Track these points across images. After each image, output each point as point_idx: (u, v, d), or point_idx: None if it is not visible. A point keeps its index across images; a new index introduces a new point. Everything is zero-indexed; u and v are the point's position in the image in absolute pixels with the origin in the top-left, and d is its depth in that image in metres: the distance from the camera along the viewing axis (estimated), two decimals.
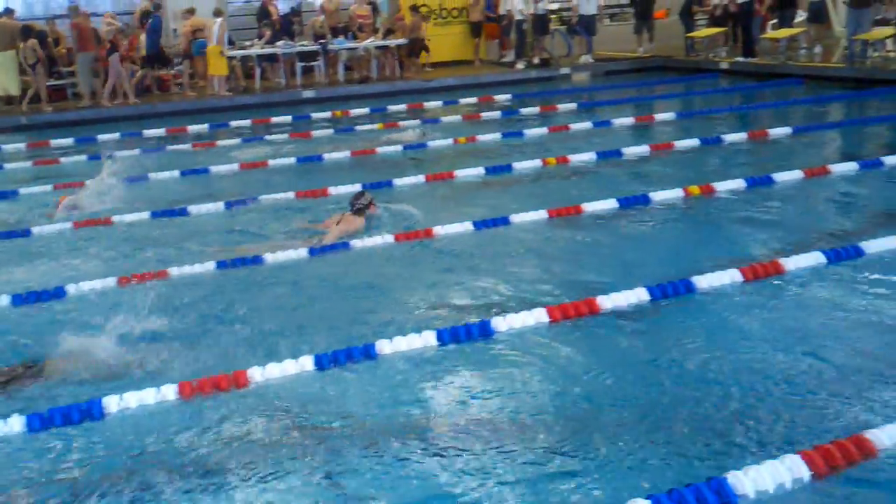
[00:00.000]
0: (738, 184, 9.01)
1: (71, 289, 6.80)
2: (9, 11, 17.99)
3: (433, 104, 16.80)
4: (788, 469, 3.85)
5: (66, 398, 5.04)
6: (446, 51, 21.77)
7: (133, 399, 4.87)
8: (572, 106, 15.70)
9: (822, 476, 3.85)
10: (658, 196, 8.68)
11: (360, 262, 7.34)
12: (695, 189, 8.84)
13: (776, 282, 6.31)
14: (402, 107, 16.49)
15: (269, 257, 7.33)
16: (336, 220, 8.07)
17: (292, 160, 11.90)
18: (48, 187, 10.94)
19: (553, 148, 11.69)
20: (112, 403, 4.83)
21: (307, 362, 5.21)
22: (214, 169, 11.47)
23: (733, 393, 4.74)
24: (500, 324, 5.67)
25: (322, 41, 19.40)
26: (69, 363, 5.43)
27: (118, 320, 5.82)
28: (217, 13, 18.32)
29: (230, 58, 18.77)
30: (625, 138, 12.30)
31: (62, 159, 13.14)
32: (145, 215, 9.13)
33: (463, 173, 10.30)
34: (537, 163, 10.69)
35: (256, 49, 19.19)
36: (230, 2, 22.31)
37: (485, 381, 5.08)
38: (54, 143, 14.54)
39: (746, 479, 3.76)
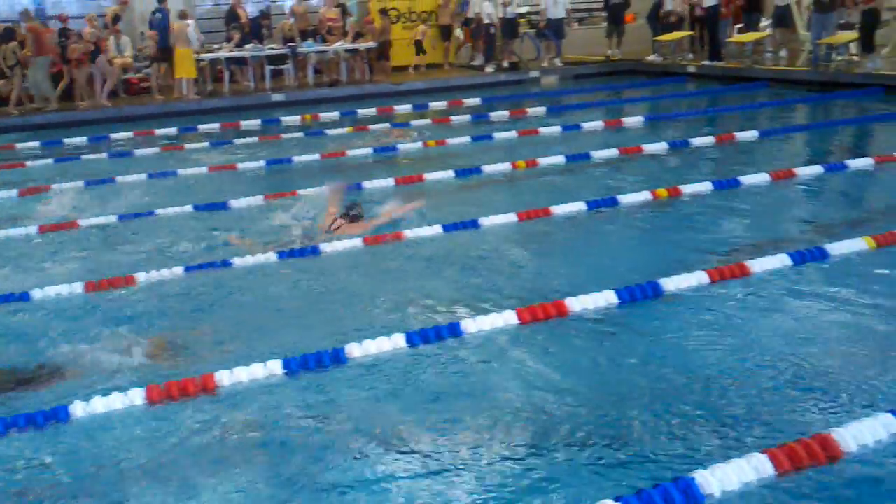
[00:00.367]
0: (706, 186, 9.09)
1: (36, 293, 6.72)
2: None
3: (403, 107, 16.80)
4: (754, 468, 3.88)
5: (31, 403, 4.98)
6: (415, 54, 21.74)
7: (100, 404, 4.82)
8: (541, 109, 15.76)
9: (787, 474, 3.89)
10: (626, 199, 8.74)
11: (328, 266, 7.33)
12: (662, 192, 8.91)
13: (742, 283, 6.37)
14: (371, 110, 16.47)
15: (238, 261, 7.30)
16: (332, 219, 8.10)
17: (261, 163, 11.85)
18: (13, 192, 10.80)
19: (522, 151, 11.73)
20: (78, 408, 4.79)
21: (276, 366, 5.19)
22: (182, 172, 11.39)
23: (699, 393, 4.79)
24: (470, 326, 5.69)
25: (291, 44, 19.33)
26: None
27: (84, 324, 5.77)
28: (182, 16, 18.17)
29: (198, 61, 18.65)
30: (593, 141, 12.37)
31: (28, 163, 12.98)
32: (113, 218, 9.06)
33: (432, 176, 10.31)
34: (507, 166, 10.72)
35: (225, 52, 19.09)
36: (199, 4, 22.17)
37: (454, 383, 5.09)
38: (20, 146, 14.36)
39: (713, 479, 3.80)
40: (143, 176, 11.21)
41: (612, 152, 11.35)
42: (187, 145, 13.77)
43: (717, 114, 15.36)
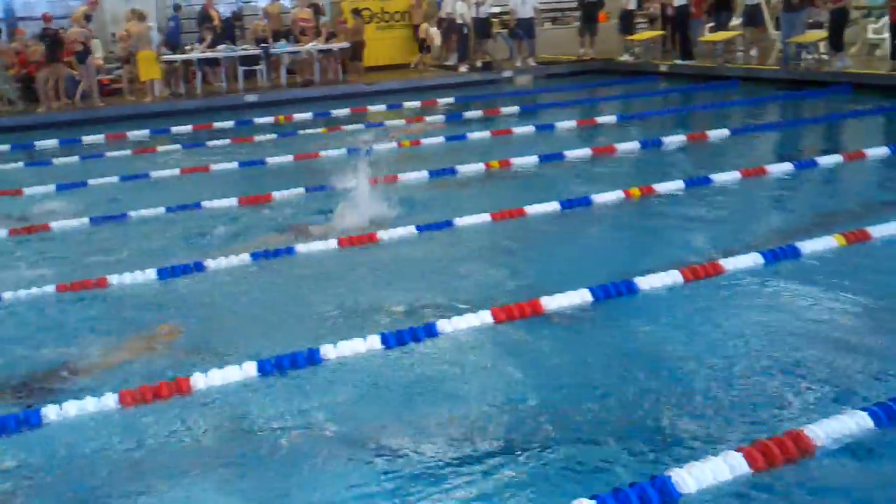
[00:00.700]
0: (678, 185, 9.16)
1: (7, 295, 6.66)
2: None
3: (376, 107, 16.79)
4: (729, 466, 3.91)
5: (2, 407, 4.94)
6: (389, 54, 21.75)
7: (72, 408, 4.78)
8: (515, 109, 15.80)
9: (762, 472, 3.92)
10: (600, 198, 8.78)
11: (303, 267, 7.31)
12: (636, 191, 8.96)
13: (715, 282, 6.42)
14: (345, 110, 16.44)
15: (212, 263, 7.26)
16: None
17: (234, 165, 11.79)
18: None
19: (496, 151, 11.76)
20: (51, 413, 4.74)
21: (250, 368, 5.17)
22: (155, 174, 11.32)
23: (674, 391, 4.81)
24: (446, 326, 5.69)
25: (264, 45, 19.26)
26: None
27: (57, 327, 5.72)
28: (140, 17, 18.04)
29: (170, 62, 18.54)
30: (567, 141, 12.41)
31: None
32: (85, 221, 8.99)
33: (406, 177, 10.30)
34: (480, 166, 10.74)
35: (197, 53, 18.98)
36: (169, 6, 22.00)
37: (430, 383, 5.09)
38: None
39: (689, 477, 3.81)
40: (115, 178, 11.12)
41: (586, 152, 11.41)
42: (159, 147, 13.67)
43: (689, 112, 15.48)
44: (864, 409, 4.29)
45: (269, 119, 15.91)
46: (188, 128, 15.36)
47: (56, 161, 12.95)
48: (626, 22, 21.18)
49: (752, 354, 5.26)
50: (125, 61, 18.53)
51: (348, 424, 4.64)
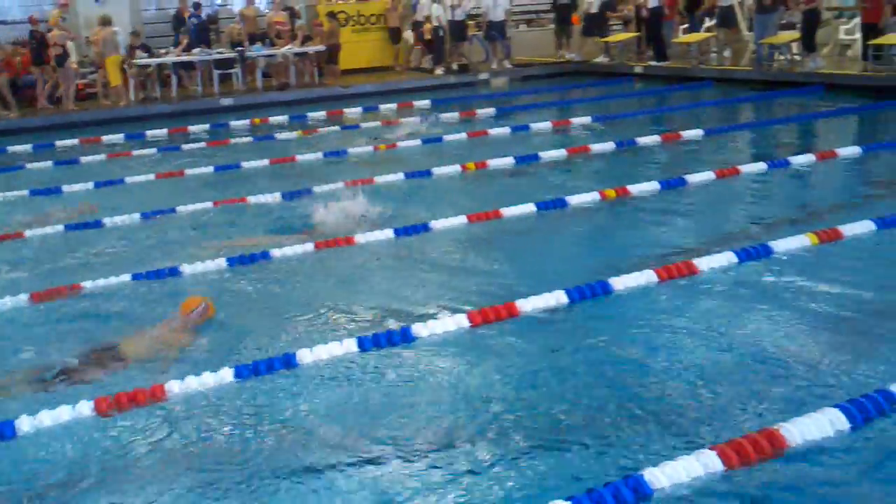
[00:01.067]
0: (653, 186, 9.21)
1: None
2: None
3: (353, 110, 16.78)
4: (703, 464, 3.94)
5: None
6: (365, 57, 21.74)
7: (47, 417, 4.75)
8: (491, 111, 15.84)
9: (735, 470, 3.96)
10: (575, 200, 8.81)
11: (278, 271, 7.30)
12: (611, 192, 9.00)
13: (690, 281, 6.46)
14: (321, 114, 16.42)
15: (187, 268, 7.23)
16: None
17: (210, 169, 11.75)
18: None
19: (472, 153, 11.78)
20: (25, 423, 4.71)
21: (226, 374, 5.15)
22: (130, 180, 11.25)
23: (649, 390, 4.85)
24: (422, 329, 5.69)
25: (239, 48, 19.19)
26: None
27: (32, 336, 5.68)
28: (105, 21, 17.94)
29: (144, 66, 18.44)
30: (542, 142, 12.46)
31: None
32: (59, 228, 8.92)
33: (383, 180, 10.30)
34: (456, 168, 10.75)
35: (172, 57, 18.89)
36: (145, 9, 21.91)
37: (406, 387, 5.10)
38: None
39: (662, 476, 3.84)
40: (90, 184, 11.05)
41: (561, 153, 11.45)
42: (134, 152, 13.58)
43: (663, 113, 15.56)
44: (837, 407, 4.34)
45: (245, 122, 15.85)
46: (163, 132, 15.28)
47: (29, 166, 12.84)
48: (590, 24, 21.27)
49: (726, 353, 5.31)
50: (100, 66, 18.41)
51: (325, 428, 4.64)
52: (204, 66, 19.25)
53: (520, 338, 5.71)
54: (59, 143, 14.63)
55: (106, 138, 14.88)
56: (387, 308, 6.33)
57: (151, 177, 11.45)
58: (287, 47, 19.59)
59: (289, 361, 5.30)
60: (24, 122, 16.77)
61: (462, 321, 5.80)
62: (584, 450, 4.28)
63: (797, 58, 17.41)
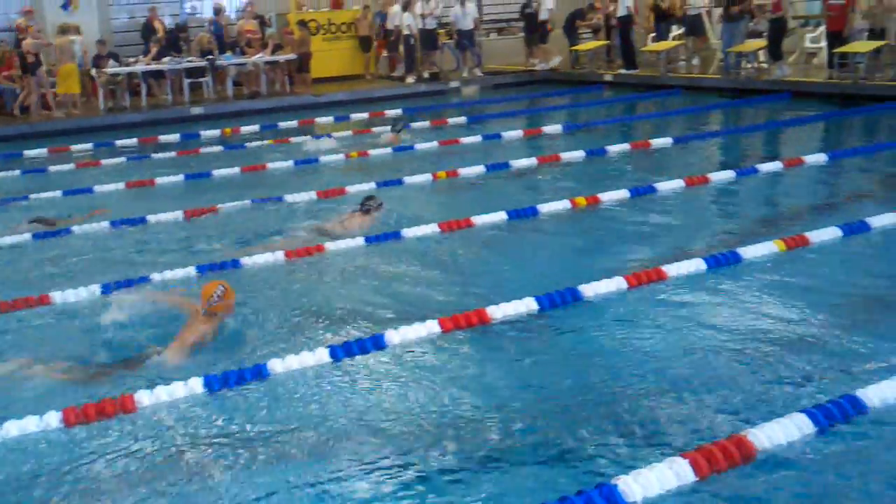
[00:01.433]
0: (623, 194, 9.27)
1: None
2: None
3: (324, 119, 16.76)
4: (674, 472, 3.97)
5: None
6: (335, 66, 21.72)
7: (13, 428, 4.71)
8: (462, 119, 15.87)
9: (707, 477, 3.99)
10: (546, 208, 8.86)
11: (249, 280, 7.26)
12: (581, 200, 9.06)
13: (659, 288, 6.52)
14: (292, 122, 16.38)
15: (157, 277, 7.18)
16: (342, 220, 8.39)
17: (180, 178, 11.68)
18: None
19: (443, 161, 11.80)
20: None
21: (196, 385, 5.12)
22: (99, 189, 11.16)
23: (619, 398, 4.88)
24: (394, 337, 5.70)
25: (210, 57, 19.11)
26: None
27: None
28: (64, 30, 17.77)
29: (113, 75, 18.31)
30: (513, 151, 12.50)
31: None
32: (27, 237, 8.84)
33: (354, 189, 10.29)
34: (427, 177, 10.77)
35: (141, 65, 18.77)
36: (114, 18, 21.75)
37: (379, 394, 5.10)
38: None
39: (635, 484, 3.87)
40: (58, 193, 10.94)
41: (532, 161, 11.50)
42: (104, 161, 13.47)
43: (633, 121, 15.67)
44: (803, 412, 4.39)
45: (216, 132, 15.77)
46: (133, 141, 15.16)
47: None
48: (531, 29, 21.40)
49: (696, 359, 5.36)
50: (54, 74, 18.23)
51: (296, 439, 4.63)
52: (174, 75, 19.15)
53: (490, 345, 5.73)
54: (26, 152, 14.45)
55: (75, 147, 14.73)
56: (358, 316, 6.33)
57: (121, 186, 11.35)
58: (258, 56, 19.53)
59: (260, 372, 5.28)
60: None
61: (434, 328, 5.81)
62: (555, 458, 4.30)
63: (764, 66, 17.63)
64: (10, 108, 17.56)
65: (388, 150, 13.01)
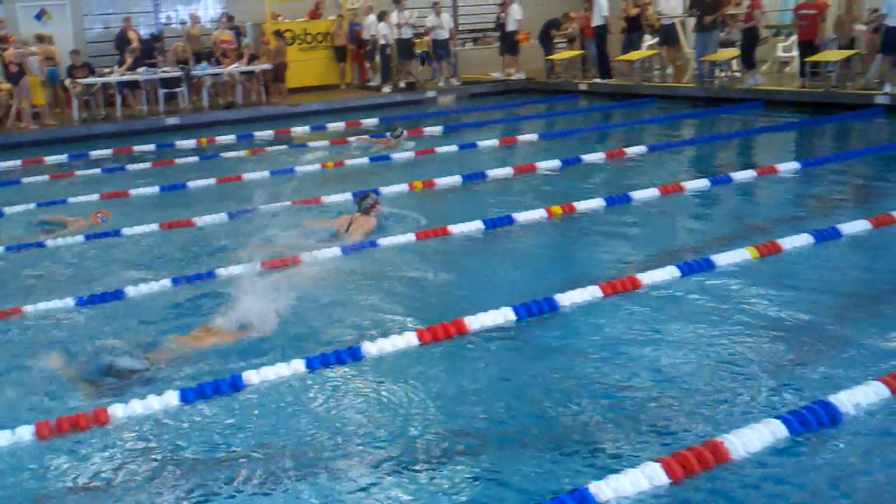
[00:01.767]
0: (598, 202, 9.33)
1: None
2: None
3: (300, 129, 16.74)
4: (648, 477, 4.00)
5: None
6: (312, 76, 21.71)
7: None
8: (438, 129, 15.90)
9: (680, 482, 4.02)
10: (522, 217, 8.89)
11: (224, 291, 7.22)
12: (557, 209, 9.10)
13: (634, 296, 6.56)
14: (268, 132, 16.35)
15: (132, 290, 7.14)
16: (347, 222, 8.50)
17: (155, 189, 11.62)
18: None
19: (420, 171, 11.82)
20: None
21: (172, 397, 5.10)
22: (73, 200, 11.08)
23: (594, 404, 4.91)
24: (371, 348, 5.70)
25: (185, 67, 19.05)
26: None
27: None
28: (40, 38, 17.66)
29: (88, 85, 18.21)
30: (489, 160, 12.53)
31: None
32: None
33: (330, 199, 10.28)
34: (404, 186, 10.77)
35: (116, 76, 18.67)
36: (89, 28, 21.64)
37: (355, 405, 5.09)
38: None
39: (608, 489, 3.90)
40: (32, 205, 10.85)
41: (508, 171, 11.53)
42: (77, 172, 13.38)
43: (608, 130, 15.77)
44: (777, 418, 4.43)
45: (192, 142, 15.71)
46: (108, 152, 15.07)
47: None
48: (505, 42, 21.53)
49: (670, 366, 5.40)
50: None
51: (272, 451, 4.62)
52: (149, 85, 19.06)
53: (468, 355, 5.74)
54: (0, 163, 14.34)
55: (49, 159, 14.61)
56: (335, 327, 6.32)
57: (95, 197, 11.26)
58: (233, 66, 19.49)
59: (235, 383, 5.26)
60: None
61: (411, 339, 5.82)
62: (530, 463, 4.32)
63: (737, 74, 17.79)
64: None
65: (365, 159, 13.01)
